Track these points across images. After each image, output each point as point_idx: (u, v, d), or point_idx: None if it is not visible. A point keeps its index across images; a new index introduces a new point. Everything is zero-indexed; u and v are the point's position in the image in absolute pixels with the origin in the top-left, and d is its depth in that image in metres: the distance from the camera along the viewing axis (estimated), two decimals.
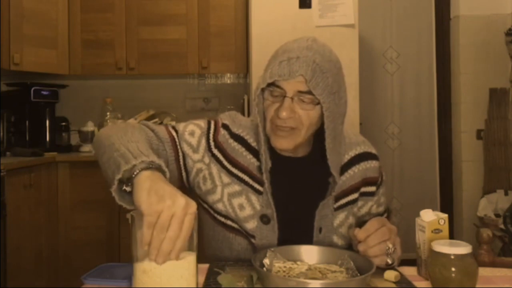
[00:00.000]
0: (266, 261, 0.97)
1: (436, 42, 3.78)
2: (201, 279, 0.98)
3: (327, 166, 1.15)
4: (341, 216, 1.22)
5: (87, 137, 3.36)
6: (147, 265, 0.80)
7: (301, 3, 2.88)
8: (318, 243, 1.18)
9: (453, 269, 0.89)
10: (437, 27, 3.76)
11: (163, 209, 0.79)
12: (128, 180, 0.89)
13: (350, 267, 0.97)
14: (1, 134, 3.10)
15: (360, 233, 1.05)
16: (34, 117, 3.24)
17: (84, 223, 3.00)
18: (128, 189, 0.89)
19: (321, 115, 1.11)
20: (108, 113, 3.38)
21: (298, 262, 1.01)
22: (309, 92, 1.08)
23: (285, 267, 0.98)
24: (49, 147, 3.24)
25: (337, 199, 1.21)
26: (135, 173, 0.88)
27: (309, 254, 1.04)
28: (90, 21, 3.28)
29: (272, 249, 1.00)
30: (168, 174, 0.92)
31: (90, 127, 3.37)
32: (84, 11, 3.28)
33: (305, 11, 2.88)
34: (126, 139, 1.00)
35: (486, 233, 1.33)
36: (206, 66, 3.29)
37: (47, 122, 3.29)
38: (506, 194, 3.27)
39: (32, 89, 3.15)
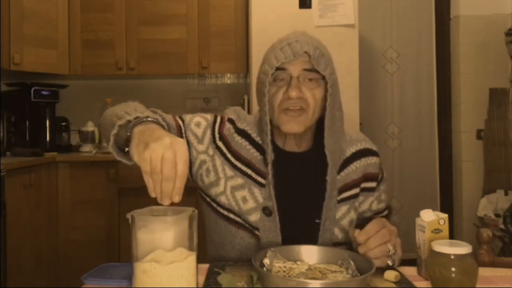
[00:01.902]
0: (266, 261, 0.97)
1: (436, 42, 3.78)
2: (201, 279, 0.98)
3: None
4: (343, 209, 1.23)
5: (87, 137, 3.35)
6: (147, 265, 0.80)
7: (301, 3, 2.88)
8: (320, 234, 1.19)
9: (453, 269, 0.89)
10: (437, 27, 3.75)
11: (151, 154, 0.82)
12: (127, 141, 0.94)
13: (350, 267, 0.97)
14: (1, 134, 3.10)
15: (360, 235, 1.05)
16: (34, 117, 3.24)
17: (84, 223, 3.00)
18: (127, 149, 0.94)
19: (324, 97, 1.16)
20: None
21: (298, 262, 1.01)
22: (313, 70, 1.13)
23: (285, 267, 0.98)
24: (49, 147, 3.24)
25: (339, 192, 1.22)
26: (129, 133, 0.93)
27: (309, 254, 1.04)
28: (90, 21, 3.28)
29: (272, 249, 1.00)
30: (166, 127, 0.97)
31: (90, 127, 3.37)
32: (84, 11, 3.29)
33: (305, 11, 2.88)
34: (126, 106, 1.06)
35: (486, 233, 1.33)
36: (206, 66, 3.29)
37: (47, 122, 3.29)
38: (506, 194, 3.27)
39: (32, 89, 3.16)
